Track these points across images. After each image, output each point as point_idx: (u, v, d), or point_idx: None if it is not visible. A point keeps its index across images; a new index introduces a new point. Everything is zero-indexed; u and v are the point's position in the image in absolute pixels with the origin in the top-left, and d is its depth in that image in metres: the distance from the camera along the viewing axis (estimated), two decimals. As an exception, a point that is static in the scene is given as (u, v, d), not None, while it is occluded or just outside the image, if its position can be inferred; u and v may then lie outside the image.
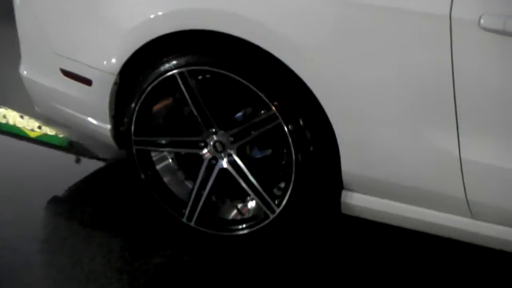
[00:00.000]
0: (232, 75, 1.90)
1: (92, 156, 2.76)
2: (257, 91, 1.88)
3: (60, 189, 2.48)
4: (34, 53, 2.38)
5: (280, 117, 1.88)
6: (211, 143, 2.06)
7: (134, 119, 2.10)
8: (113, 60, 2.07)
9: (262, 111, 1.92)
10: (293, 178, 1.93)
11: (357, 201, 1.93)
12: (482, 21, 1.55)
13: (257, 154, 2.08)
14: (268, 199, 2.00)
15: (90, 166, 2.68)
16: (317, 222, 2.17)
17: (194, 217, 2.12)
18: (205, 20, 1.87)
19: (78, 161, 2.78)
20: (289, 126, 1.88)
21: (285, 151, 1.98)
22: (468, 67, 1.62)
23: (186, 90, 1.99)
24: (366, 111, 1.77)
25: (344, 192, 1.95)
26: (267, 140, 2.04)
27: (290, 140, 1.89)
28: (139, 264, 2.02)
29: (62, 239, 2.16)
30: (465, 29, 1.59)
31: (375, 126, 1.77)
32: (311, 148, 1.89)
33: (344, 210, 1.98)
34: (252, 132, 1.96)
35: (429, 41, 1.65)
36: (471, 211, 1.78)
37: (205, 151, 2.08)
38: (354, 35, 1.72)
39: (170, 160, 2.21)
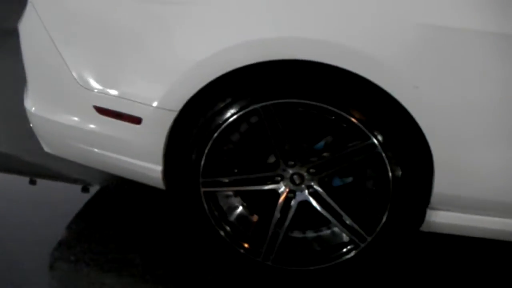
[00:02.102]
0: (330, 107, 1.80)
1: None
2: (357, 122, 1.81)
3: (95, 241, 2.19)
4: (50, 87, 2.04)
5: (379, 147, 1.83)
6: (288, 176, 1.95)
7: (204, 157, 1.91)
8: (175, 96, 1.85)
9: (358, 141, 1.85)
10: (388, 207, 1.90)
11: (441, 218, 1.96)
12: None
13: (337, 183, 2.01)
14: (358, 229, 1.95)
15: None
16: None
17: (272, 256, 2.01)
18: (305, 51, 1.74)
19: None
20: (389, 155, 1.84)
21: (368, 177, 1.94)
22: None
23: (268, 124, 1.85)
24: (464, 133, 1.78)
25: (428, 211, 1.97)
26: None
27: (389, 169, 1.85)
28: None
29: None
30: None
31: (472, 147, 1.79)
32: (407, 176, 1.87)
33: (425, 228, 2.00)
34: (343, 162, 1.89)
35: None
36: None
37: (282, 185, 1.97)
38: (451, 60, 1.72)
39: (238, 202, 2.06)
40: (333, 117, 1.83)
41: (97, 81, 1.95)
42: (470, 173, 1.83)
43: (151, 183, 2.09)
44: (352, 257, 1.98)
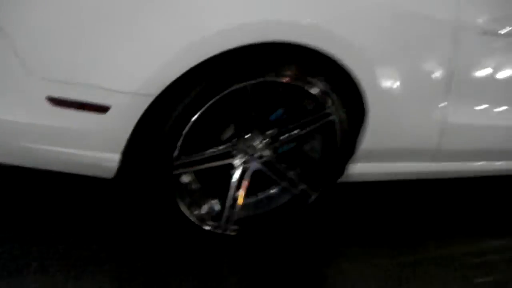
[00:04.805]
0: (301, 85, 1.98)
1: None
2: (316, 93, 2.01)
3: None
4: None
5: (334, 115, 2.06)
6: (243, 148, 2.04)
7: (182, 139, 1.88)
8: (157, 80, 1.76)
9: (315, 112, 2.05)
10: (333, 166, 2.17)
11: (359, 169, 2.31)
12: (474, 23, 2.19)
13: (284, 148, 2.16)
14: (306, 188, 2.16)
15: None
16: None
17: (232, 224, 2.09)
18: (287, 32, 1.84)
19: None
20: (340, 120, 2.08)
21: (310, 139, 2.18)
22: (464, 57, 2.21)
23: (243, 102, 1.92)
24: (394, 95, 2.14)
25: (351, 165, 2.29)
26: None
27: (338, 132, 2.10)
28: None
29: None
30: (464, 28, 2.15)
31: (399, 105, 2.17)
32: (350, 135, 2.15)
33: (344, 178, 2.32)
34: (300, 130, 2.08)
35: (442, 38, 2.16)
36: (435, 157, 2.42)
37: (238, 158, 2.05)
38: (391, 37, 2.07)
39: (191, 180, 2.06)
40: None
41: (55, 69, 1.70)
42: (396, 128, 2.20)
43: (101, 173, 1.93)
44: (304, 208, 2.20)
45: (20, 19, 1.66)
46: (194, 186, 2.08)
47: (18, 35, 1.67)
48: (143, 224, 2.15)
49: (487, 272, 2.28)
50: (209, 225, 2.07)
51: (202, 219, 2.05)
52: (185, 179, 2.05)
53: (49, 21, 1.68)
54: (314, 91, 1.99)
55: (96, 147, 1.84)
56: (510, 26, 2.29)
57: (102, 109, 1.77)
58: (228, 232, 2.10)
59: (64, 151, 1.82)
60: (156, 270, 1.93)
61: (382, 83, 2.08)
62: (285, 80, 1.97)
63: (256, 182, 2.13)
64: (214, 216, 2.08)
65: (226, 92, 1.87)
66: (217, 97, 1.86)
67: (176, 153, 1.89)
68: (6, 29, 1.65)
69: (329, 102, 2.03)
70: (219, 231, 2.09)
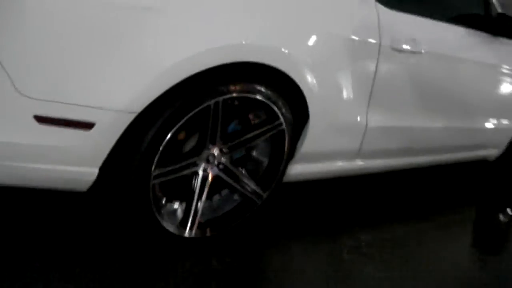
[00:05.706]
0: (260, 98, 2.18)
1: None
2: (274, 107, 2.23)
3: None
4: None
5: (284, 125, 2.30)
6: (205, 157, 2.21)
7: (159, 152, 2.00)
8: (141, 98, 1.88)
9: (270, 122, 2.28)
10: (281, 169, 2.40)
11: (295, 170, 2.57)
12: (392, 44, 2.55)
13: (237, 156, 2.35)
14: (258, 189, 2.37)
15: None
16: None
17: (194, 227, 2.24)
18: (255, 54, 2.06)
19: None
20: (288, 130, 2.33)
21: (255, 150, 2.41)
22: (382, 72, 2.57)
23: (213, 116, 2.08)
24: (330, 104, 2.44)
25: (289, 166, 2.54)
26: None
27: (286, 139, 2.34)
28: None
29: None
30: (385, 50, 2.51)
31: (333, 113, 2.47)
32: (293, 143, 2.41)
33: (284, 179, 2.57)
34: (256, 139, 2.28)
35: (367, 57, 2.50)
36: (357, 156, 2.75)
37: (202, 166, 2.21)
38: (329, 56, 2.37)
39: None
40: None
41: (44, 88, 1.75)
42: (330, 133, 2.49)
43: (77, 188, 1.99)
44: (255, 210, 2.41)
45: (9, 41, 1.69)
46: (159, 194, 2.20)
47: (6, 56, 1.69)
48: (113, 234, 2.22)
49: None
50: (184, 230, 2.20)
51: (177, 225, 2.18)
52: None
53: (37, 42, 1.72)
54: (267, 101, 2.21)
55: (77, 162, 1.90)
56: (418, 46, 2.68)
57: (87, 125, 1.84)
58: (192, 235, 2.24)
59: (45, 168, 1.87)
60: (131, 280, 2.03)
61: (320, 94, 2.36)
62: (244, 94, 2.16)
63: (211, 187, 2.31)
64: (180, 222, 2.21)
65: (198, 108, 2.02)
66: (191, 113, 2.01)
67: (153, 166, 2.01)
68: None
69: (281, 112, 2.25)
70: (196, 236, 2.23)
